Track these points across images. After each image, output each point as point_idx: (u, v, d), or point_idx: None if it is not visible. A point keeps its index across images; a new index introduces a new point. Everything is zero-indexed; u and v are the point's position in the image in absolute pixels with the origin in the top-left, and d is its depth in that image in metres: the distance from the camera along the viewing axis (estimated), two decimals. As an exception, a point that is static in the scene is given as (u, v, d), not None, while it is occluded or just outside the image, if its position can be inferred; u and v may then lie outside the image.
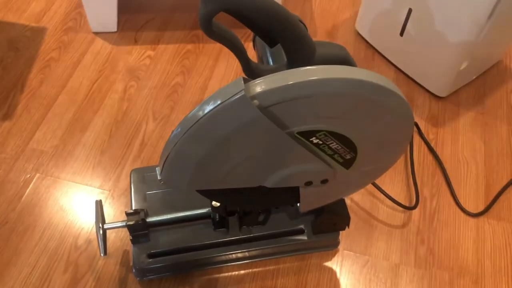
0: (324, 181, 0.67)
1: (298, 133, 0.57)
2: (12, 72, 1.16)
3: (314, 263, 0.89)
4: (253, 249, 0.86)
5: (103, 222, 0.82)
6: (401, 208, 0.96)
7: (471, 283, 0.88)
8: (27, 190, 0.97)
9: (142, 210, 0.83)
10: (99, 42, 1.23)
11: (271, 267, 0.89)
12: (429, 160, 1.04)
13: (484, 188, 1.00)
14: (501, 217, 0.96)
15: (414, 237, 0.93)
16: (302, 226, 0.87)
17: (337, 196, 0.75)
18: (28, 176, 0.99)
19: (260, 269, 0.88)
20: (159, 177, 0.61)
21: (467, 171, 1.03)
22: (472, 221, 0.96)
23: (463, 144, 1.07)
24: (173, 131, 0.56)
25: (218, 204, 0.82)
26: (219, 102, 0.51)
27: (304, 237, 0.86)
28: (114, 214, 0.95)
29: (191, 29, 1.27)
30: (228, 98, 0.50)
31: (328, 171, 0.65)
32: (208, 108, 0.52)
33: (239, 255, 0.87)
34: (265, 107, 0.52)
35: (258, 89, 0.51)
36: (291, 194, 0.71)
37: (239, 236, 0.85)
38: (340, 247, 0.91)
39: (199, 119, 0.52)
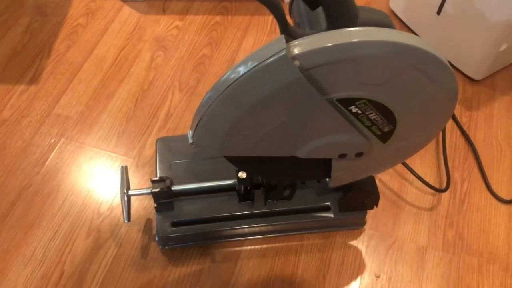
0: (359, 154, 0.64)
1: (337, 100, 0.55)
2: (40, 36, 1.15)
3: (339, 241, 0.87)
4: (278, 223, 0.84)
5: (128, 188, 0.82)
6: (430, 191, 0.94)
7: (501, 271, 0.85)
8: (52, 155, 0.96)
9: (168, 178, 0.82)
10: (127, 10, 1.21)
11: (295, 243, 0.87)
12: (461, 143, 1.01)
13: (517, 175, 0.97)
14: (535, 205, 0.93)
15: (443, 221, 0.91)
16: (328, 203, 0.85)
17: (370, 172, 0.73)
18: (53, 140, 0.98)
19: (283, 244, 0.87)
20: (190, 141, 0.59)
21: (500, 156, 0.99)
22: (504, 207, 0.93)
23: (497, 129, 1.03)
24: (207, 93, 0.54)
25: (245, 175, 0.81)
26: (257, 62, 0.49)
27: (330, 214, 0.84)
28: (138, 183, 0.94)
29: (220, 0, 1.24)
30: (268, 58, 0.48)
31: (364, 144, 0.62)
32: (246, 68, 0.49)
33: (263, 228, 0.85)
34: (306, 69, 0.50)
35: (300, 49, 0.49)
36: (322, 167, 0.68)
37: (264, 209, 0.84)
38: (366, 227, 0.89)
39: (236, 80, 0.50)
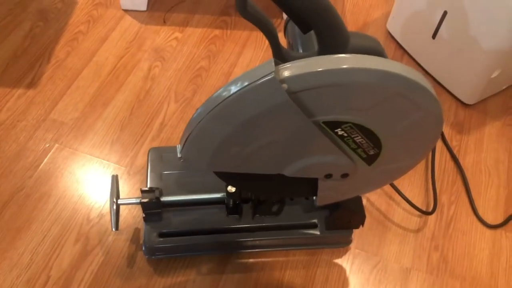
0: (345, 175, 0.66)
1: (323, 122, 0.56)
2: (40, 41, 1.16)
3: (324, 259, 0.88)
4: (265, 238, 0.85)
5: (118, 197, 0.83)
6: (417, 213, 0.95)
7: (483, 295, 0.86)
8: (45, 159, 0.97)
9: (157, 188, 0.83)
10: (128, 19, 1.23)
11: (281, 259, 0.88)
12: (450, 167, 1.02)
13: (504, 201, 0.98)
14: (520, 232, 0.94)
15: (428, 243, 0.92)
16: (315, 221, 0.86)
17: (355, 192, 0.74)
18: (47, 145, 0.99)
19: (269, 259, 0.88)
20: (179, 155, 0.60)
21: (488, 181, 1.00)
22: (489, 232, 0.94)
23: (487, 154, 1.05)
24: (198, 109, 0.56)
25: (234, 189, 0.82)
26: (247, 82, 0.50)
27: (316, 232, 0.85)
28: (128, 191, 0.95)
29: (220, 14, 1.26)
30: (257, 79, 0.50)
31: (349, 165, 0.64)
32: (236, 87, 0.51)
33: (250, 243, 0.86)
34: (294, 92, 0.51)
35: (288, 73, 0.50)
36: (309, 186, 0.69)
37: (252, 224, 0.85)
38: (352, 245, 0.90)
39: (226, 98, 0.51)
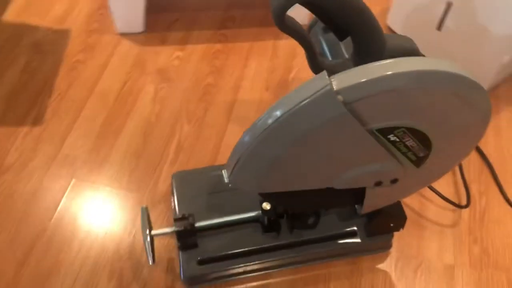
0: (394, 181, 0.64)
1: (377, 130, 0.54)
2: (39, 75, 1.12)
3: (366, 267, 0.86)
4: (305, 252, 0.82)
5: (151, 229, 0.79)
6: (450, 207, 0.93)
7: (530, 283, 0.85)
8: (63, 197, 0.93)
9: (191, 215, 0.80)
10: (125, 43, 1.20)
11: (322, 271, 0.85)
12: (474, 156, 1.01)
13: (533, 185, 0.97)
14: (554, 214, 0.93)
15: (466, 237, 0.90)
16: (355, 228, 0.84)
17: (401, 196, 0.72)
18: (63, 182, 0.95)
19: (310, 273, 0.85)
20: (226, 180, 0.58)
21: (514, 167, 1.00)
22: (524, 219, 0.93)
23: (507, 140, 1.04)
24: (246, 132, 0.53)
25: (269, 207, 0.79)
26: (302, 98, 0.48)
27: (357, 239, 0.83)
28: (155, 221, 0.91)
29: (218, 28, 1.24)
30: (313, 94, 0.47)
31: (399, 170, 0.62)
32: (289, 105, 0.48)
33: (291, 259, 0.83)
34: (349, 103, 0.49)
35: (344, 84, 0.48)
36: (355, 196, 0.68)
37: (290, 240, 0.82)
38: (392, 249, 0.88)
39: (277, 118, 0.49)
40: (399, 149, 0.58)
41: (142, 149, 1.01)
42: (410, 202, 0.94)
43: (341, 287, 0.84)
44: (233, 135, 1.03)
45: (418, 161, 0.62)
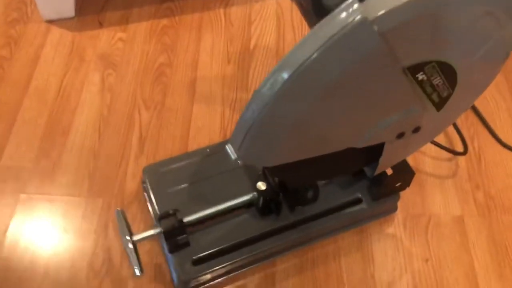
0: (416, 130, 0.56)
1: (407, 68, 0.46)
2: (-43, 80, 0.94)
3: (375, 233, 0.79)
4: (310, 230, 0.73)
5: (131, 233, 0.67)
6: (446, 157, 0.88)
7: (539, 221, 0.82)
8: (13, 218, 0.78)
9: (176, 210, 0.68)
10: (56, 31, 1.04)
11: (330, 247, 0.77)
12: (456, 101, 0.96)
13: (519, 121, 0.94)
14: (546, 147, 0.90)
15: (468, 184, 0.85)
16: (359, 195, 0.76)
17: (415, 149, 0.65)
18: (10, 200, 0.80)
19: (318, 251, 0.77)
20: (234, 156, 0.47)
21: (497, 107, 0.96)
22: (519, 156, 0.89)
23: (484, 79, 1.00)
24: (256, 92, 0.43)
25: (264, 186, 0.70)
26: (332, 32, 0.38)
27: (363, 206, 0.75)
28: (132, 225, 0.78)
29: (161, 2, 1.10)
30: (345, 26, 0.38)
31: (422, 116, 0.54)
32: (315, 44, 0.38)
33: (295, 241, 0.74)
34: (383, 33, 0.40)
35: (378, 9, 0.39)
36: (370, 156, 0.59)
37: (292, 219, 0.73)
38: (397, 211, 0.81)
39: (303, 62, 0.39)
40: (425, 90, 0.50)
41: (99, 146, 0.87)
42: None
43: (354, 261, 0.76)
44: (201, 116, 0.91)
45: (440, 103, 0.54)
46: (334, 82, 0.41)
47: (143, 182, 0.79)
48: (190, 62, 1.00)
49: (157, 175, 0.77)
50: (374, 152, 0.59)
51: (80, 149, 0.86)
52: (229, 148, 0.47)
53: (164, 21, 1.06)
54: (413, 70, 0.46)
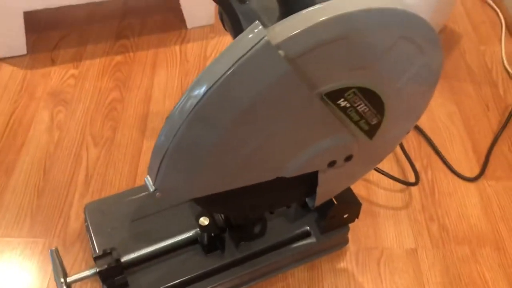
0: (348, 158, 0.55)
1: (326, 94, 0.45)
2: None
3: (326, 269, 0.76)
4: (258, 266, 0.71)
5: (65, 275, 0.63)
6: (398, 188, 0.87)
7: (493, 251, 0.80)
8: None
9: (113, 249, 0.65)
10: (7, 68, 1.02)
11: (279, 284, 0.74)
12: (410, 132, 0.96)
13: (472, 150, 0.94)
14: (499, 177, 0.90)
15: (422, 216, 0.84)
16: (307, 228, 0.74)
17: (354, 178, 0.63)
18: None
19: (267, 290, 0.74)
20: (151, 189, 0.45)
21: (450, 136, 0.96)
22: (472, 186, 0.89)
23: (438, 110, 1.01)
24: (167, 119, 0.41)
25: (207, 221, 0.67)
26: (235, 58, 0.37)
27: (312, 239, 0.73)
28: (71, 266, 0.75)
29: (116, 39, 1.10)
30: (248, 50, 0.37)
31: (353, 144, 0.53)
32: (221, 70, 0.37)
33: (243, 278, 0.71)
34: (292, 59, 0.39)
35: (284, 34, 0.38)
36: (305, 186, 0.58)
37: (238, 256, 0.70)
38: (349, 244, 0.79)
39: (210, 88, 0.38)
40: (351, 118, 0.50)
41: (43, 185, 0.84)
42: (357, 190, 0.86)
43: (304, 298, 0.73)
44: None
45: (371, 131, 0.53)
46: (246, 107, 0.40)
47: (85, 221, 0.76)
48: (142, 98, 0.99)
49: (98, 213, 0.74)
50: (311, 182, 0.57)
51: (23, 188, 0.83)
52: (147, 180, 0.45)
53: (118, 58, 1.06)
54: (333, 96, 0.46)
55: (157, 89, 1.01)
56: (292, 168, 0.50)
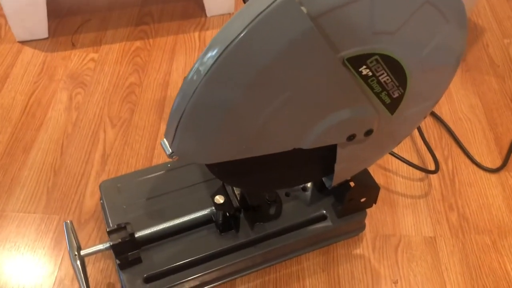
0: (368, 133, 0.53)
1: (347, 59, 0.44)
2: None
3: (342, 254, 0.75)
4: (272, 247, 0.70)
5: (79, 248, 0.63)
6: (418, 177, 0.85)
7: (515, 243, 0.78)
8: (-36, 233, 0.75)
9: (127, 223, 0.65)
10: (28, 51, 1.03)
11: (294, 268, 0.73)
12: (431, 122, 0.95)
13: (494, 142, 0.92)
14: (522, 168, 0.88)
15: (441, 205, 0.82)
16: (323, 211, 0.72)
17: (374, 157, 0.62)
18: (-38, 215, 0.77)
19: (281, 272, 0.73)
20: (169, 151, 0.44)
21: (471, 127, 0.94)
22: (494, 177, 0.86)
23: (459, 102, 0.99)
24: (186, 78, 0.41)
25: (222, 200, 0.66)
26: (254, 14, 0.36)
27: (328, 223, 0.72)
28: (84, 244, 0.75)
29: (136, 25, 1.11)
30: (269, 5, 0.36)
31: (373, 117, 0.52)
32: (242, 23, 0.37)
33: (256, 259, 0.70)
34: (314, 17, 0.38)
35: (306, -11, 0.37)
36: (324, 162, 0.57)
37: (252, 236, 0.69)
38: (366, 230, 0.78)
39: (228, 45, 0.37)
40: (371, 88, 0.48)
41: (60, 163, 0.84)
42: (376, 178, 0.84)
43: (319, 282, 0.72)
44: (168, 134, 0.89)
45: (392, 105, 0.52)
46: (265, 66, 0.39)
47: (101, 198, 0.76)
48: (161, 83, 0.99)
49: (113, 190, 0.74)
50: (329, 159, 0.56)
51: (41, 165, 0.84)
52: (163, 143, 0.45)
53: (138, 43, 1.06)
54: (355, 62, 0.45)
55: (175, 75, 1.01)
56: (311, 139, 0.49)
